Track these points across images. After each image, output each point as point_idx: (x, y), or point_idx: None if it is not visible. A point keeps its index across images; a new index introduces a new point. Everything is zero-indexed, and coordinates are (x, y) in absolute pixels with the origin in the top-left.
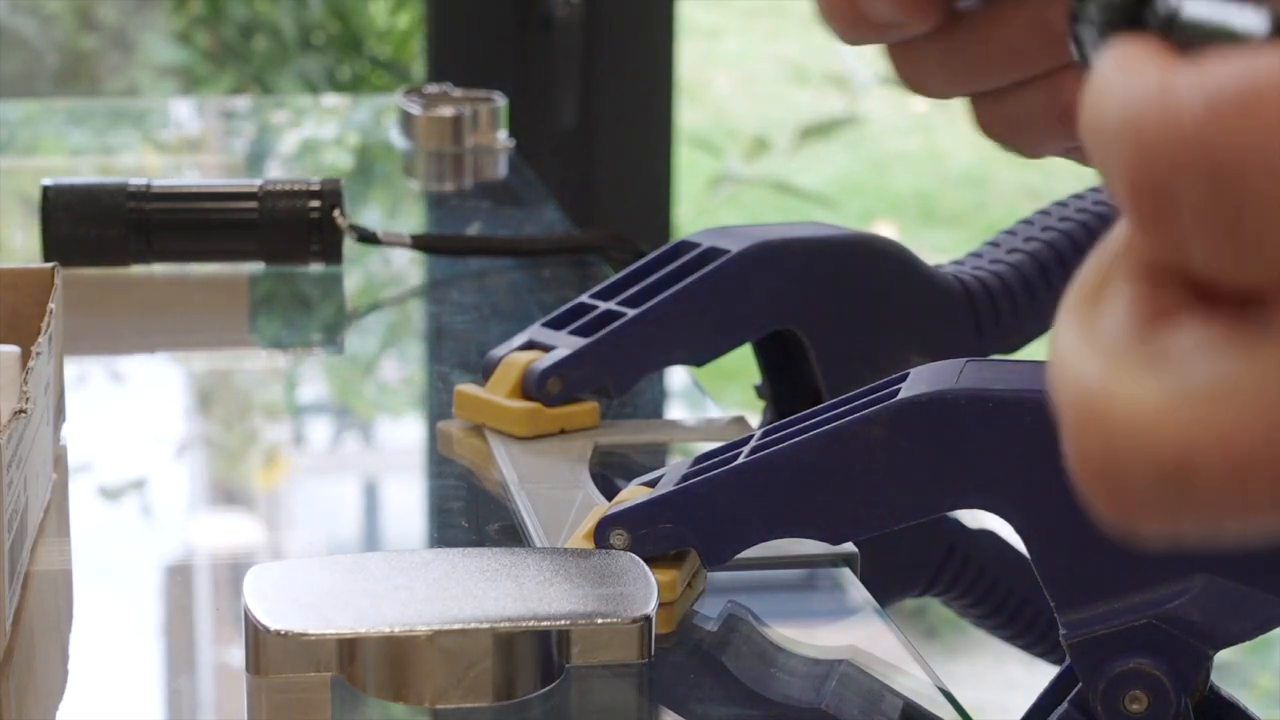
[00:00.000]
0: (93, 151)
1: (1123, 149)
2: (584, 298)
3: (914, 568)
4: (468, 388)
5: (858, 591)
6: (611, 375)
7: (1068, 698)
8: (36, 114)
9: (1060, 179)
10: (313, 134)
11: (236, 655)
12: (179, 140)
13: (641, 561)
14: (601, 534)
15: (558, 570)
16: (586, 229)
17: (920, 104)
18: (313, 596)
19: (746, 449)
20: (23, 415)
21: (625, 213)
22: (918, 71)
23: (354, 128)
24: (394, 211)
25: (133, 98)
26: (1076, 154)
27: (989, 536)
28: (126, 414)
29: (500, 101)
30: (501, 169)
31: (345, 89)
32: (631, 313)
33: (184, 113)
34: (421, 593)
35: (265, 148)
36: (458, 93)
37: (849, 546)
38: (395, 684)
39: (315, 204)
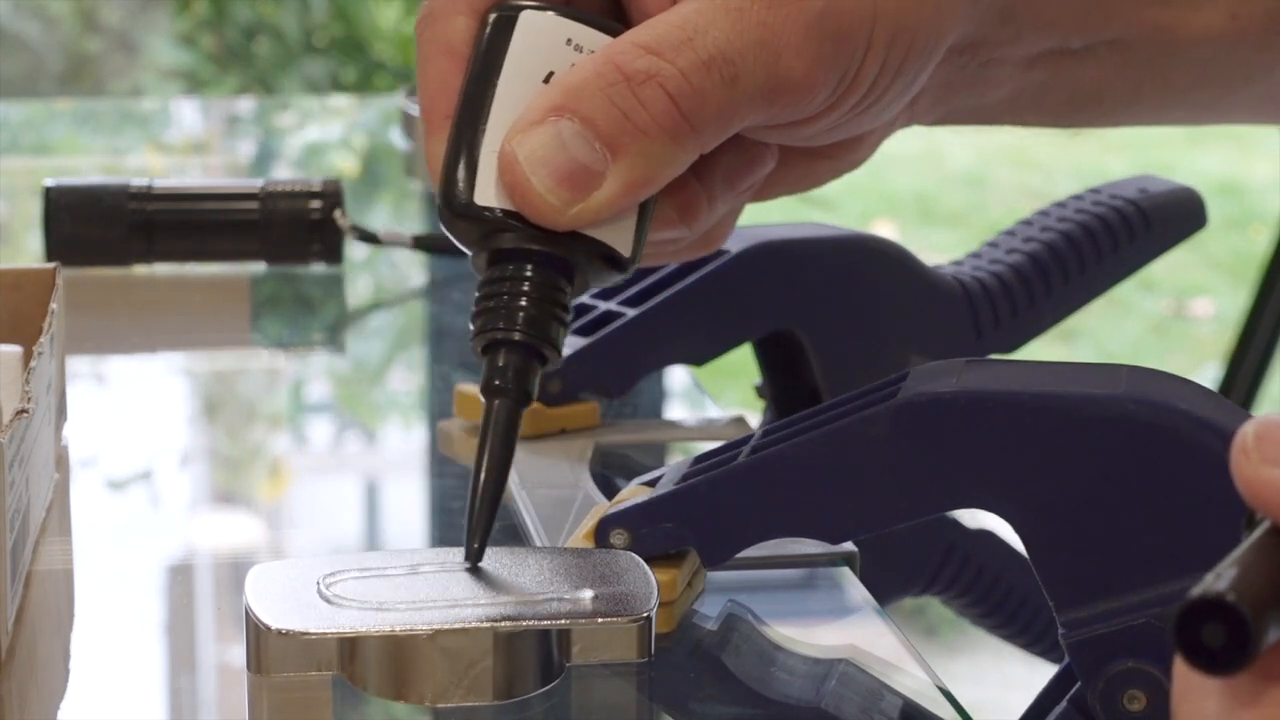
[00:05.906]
0: (96, 152)
1: None
2: (584, 298)
3: (914, 568)
4: (468, 388)
5: (857, 591)
6: (612, 375)
7: (1067, 696)
8: (40, 115)
9: (1060, 179)
10: (316, 135)
11: (238, 654)
12: (183, 141)
13: (641, 561)
14: (602, 534)
15: (558, 570)
16: None
17: None
18: (313, 596)
19: (746, 449)
20: (25, 415)
21: None
22: None
23: (357, 129)
24: (395, 212)
25: (136, 98)
26: None
27: (989, 536)
28: (128, 414)
29: None
30: None
31: (349, 91)
32: (631, 313)
33: (188, 114)
34: (422, 592)
35: (269, 148)
36: None
37: (849, 546)
38: (396, 683)
39: (316, 204)
